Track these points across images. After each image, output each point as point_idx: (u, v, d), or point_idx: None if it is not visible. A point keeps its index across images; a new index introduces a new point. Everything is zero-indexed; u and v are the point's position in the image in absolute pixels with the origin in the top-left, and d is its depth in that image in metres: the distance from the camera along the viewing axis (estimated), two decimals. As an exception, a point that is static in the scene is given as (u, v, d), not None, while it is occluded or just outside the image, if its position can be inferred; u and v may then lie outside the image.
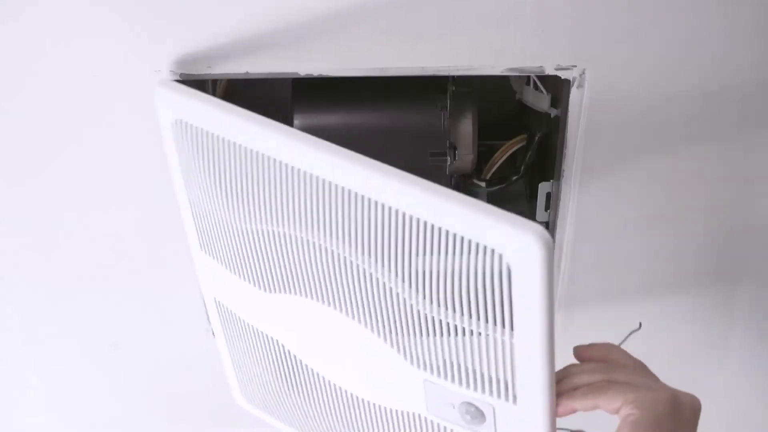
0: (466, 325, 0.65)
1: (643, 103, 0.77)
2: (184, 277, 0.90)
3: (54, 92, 0.78)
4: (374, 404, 0.77)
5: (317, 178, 0.65)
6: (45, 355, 1.00)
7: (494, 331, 0.64)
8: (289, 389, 0.84)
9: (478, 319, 0.64)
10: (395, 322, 0.68)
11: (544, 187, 0.90)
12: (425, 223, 0.62)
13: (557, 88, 0.84)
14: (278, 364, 0.83)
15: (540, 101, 0.88)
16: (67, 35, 0.75)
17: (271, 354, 0.83)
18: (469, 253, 0.61)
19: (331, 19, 0.72)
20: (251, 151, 0.68)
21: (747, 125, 0.78)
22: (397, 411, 0.76)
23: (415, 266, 0.65)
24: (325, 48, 0.74)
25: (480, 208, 0.59)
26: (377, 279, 0.66)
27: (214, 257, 0.79)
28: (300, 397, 0.84)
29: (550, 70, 0.74)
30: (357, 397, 0.78)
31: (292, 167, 0.66)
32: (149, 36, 0.74)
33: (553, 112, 0.87)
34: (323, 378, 0.79)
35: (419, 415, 0.74)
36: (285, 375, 0.83)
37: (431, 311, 0.66)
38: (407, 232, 0.63)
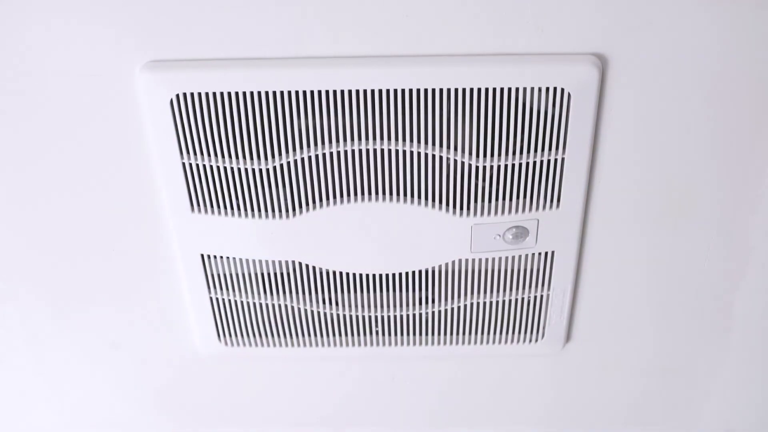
0: (523, 161, 0.77)
1: (642, 102, 0.78)
2: (183, 276, 0.90)
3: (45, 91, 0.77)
4: (415, 272, 0.87)
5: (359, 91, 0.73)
6: (45, 355, 0.99)
7: (548, 155, 0.76)
8: (296, 304, 0.90)
9: (536, 150, 0.76)
10: (456, 188, 0.79)
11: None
12: (484, 91, 0.73)
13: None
14: (290, 287, 0.89)
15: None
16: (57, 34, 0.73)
17: (278, 279, 0.88)
18: (532, 99, 0.72)
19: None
20: (277, 93, 0.74)
21: (746, 126, 0.79)
22: (440, 266, 0.86)
23: (476, 133, 0.75)
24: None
25: (529, 60, 0.71)
26: (446, 159, 0.76)
27: (213, 213, 0.82)
28: (309, 305, 0.91)
29: None
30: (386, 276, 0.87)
31: (335, 90, 0.74)
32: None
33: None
34: (348, 275, 0.88)
35: (462, 260, 0.85)
36: (295, 293, 0.90)
37: (490, 162, 0.77)
38: (467, 107, 0.73)
